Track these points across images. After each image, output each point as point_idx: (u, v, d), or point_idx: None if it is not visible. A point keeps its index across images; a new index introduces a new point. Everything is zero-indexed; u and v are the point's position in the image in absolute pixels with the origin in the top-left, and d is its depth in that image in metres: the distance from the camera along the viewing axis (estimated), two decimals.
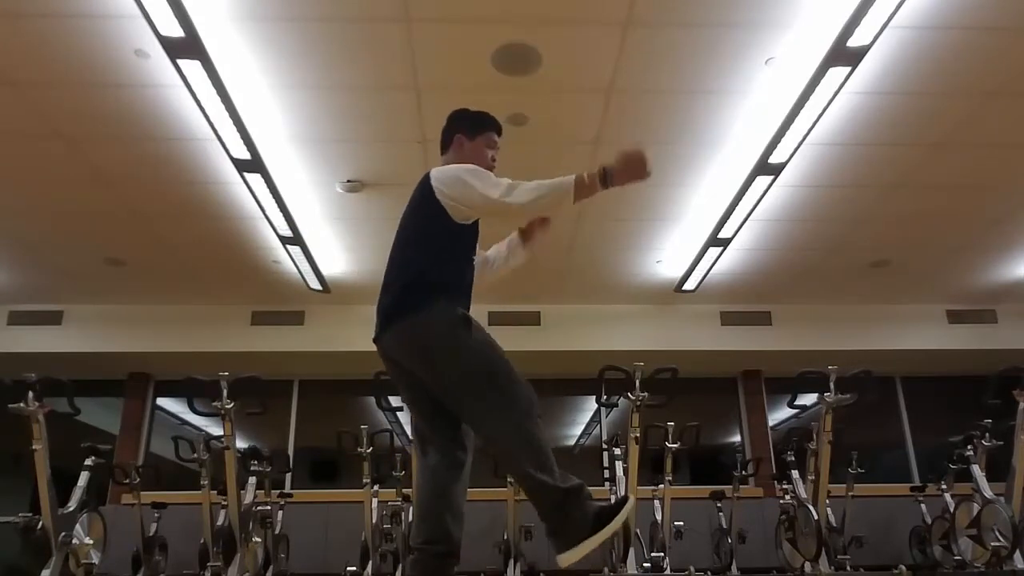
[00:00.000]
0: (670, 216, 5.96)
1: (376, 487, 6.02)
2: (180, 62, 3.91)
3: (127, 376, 8.01)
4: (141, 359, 7.64)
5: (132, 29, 3.76)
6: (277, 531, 6.31)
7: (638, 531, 5.34)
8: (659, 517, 5.54)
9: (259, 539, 5.68)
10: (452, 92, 4.35)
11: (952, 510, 5.63)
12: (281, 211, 5.58)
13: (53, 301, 7.36)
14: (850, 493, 6.13)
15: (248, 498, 5.67)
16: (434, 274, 2.35)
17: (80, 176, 5.17)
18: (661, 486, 5.57)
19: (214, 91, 4.14)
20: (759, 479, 6.95)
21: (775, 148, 4.83)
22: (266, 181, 5.15)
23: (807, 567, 5.12)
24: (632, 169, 2.31)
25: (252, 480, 5.87)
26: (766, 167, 5.07)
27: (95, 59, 4.00)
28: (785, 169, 5.13)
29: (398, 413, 6.48)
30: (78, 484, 5.13)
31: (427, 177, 2.47)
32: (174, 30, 3.66)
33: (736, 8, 3.76)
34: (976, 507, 5.04)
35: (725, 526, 6.27)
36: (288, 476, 7.30)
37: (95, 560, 5.11)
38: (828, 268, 6.92)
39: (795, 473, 5.65)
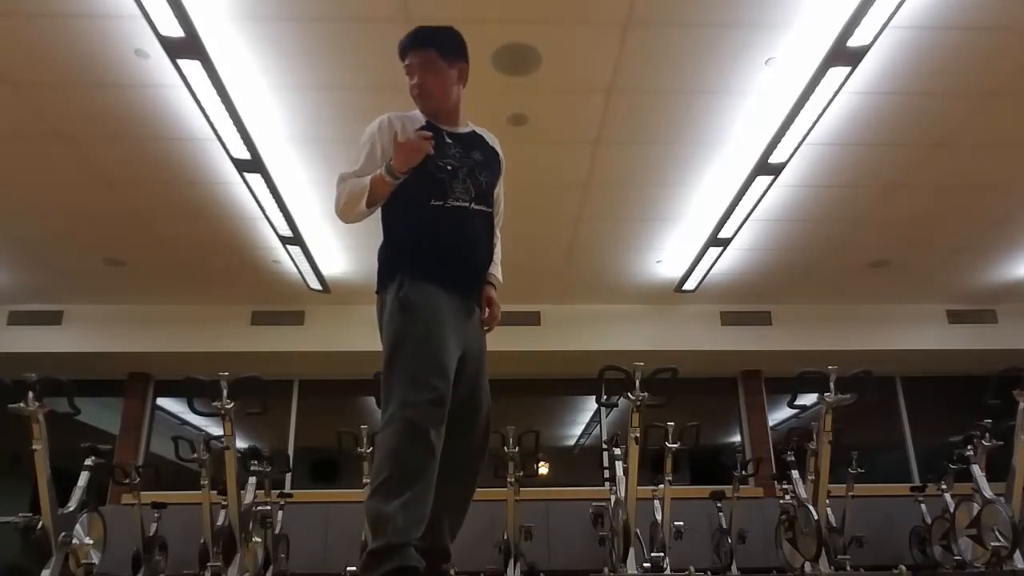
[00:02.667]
0: (670, 216, 5.96)
1: None
2: (180, 62, 3.91)
3: (127, 376, 8.01)
4: (141, 359, 7.64)
5: (132, 29, 3.76)
6: (277, 531, 6.30)
7: (638, 531, 5.34)
8: (659, 517, 5.54)
9: (259, 539, 5.68)
10: None
11: (952, 510, 5.63)
12: (281, 211, 5.58)
13: (53, 301, 7.36)
14: (850, 493, 6.13)
15: (248, 498, 5.66)
16: (395, 242, 2.24)
17: (80, 176, 5.17)
18: (661, 486, 5.57)
19: (214, 91, 4.14)
20: (759, 479, 6.95)
21: (775, 148, 4.83)
22: (266, 181, 5.15)
23: (807, 567, 5.12)
24: (405, 154, 2.12)
25: (252, 480, 5.86)
26: (766, 167, 5.07)
27: (95, 59, 4.00)
28: (785, 169, 5.13)
29: None
30: (78, 484, 5.12)
31: None
32: (174, 30, 3.66)
33: (736, 8, 3.76)
34: (976, 507, 5.03)
35: (725, 526, 6.27)
36: (288, 476, 7.30)
37: (95, 560, 5.10)
38: (828, 268, 6.92)
39: (795, 473, 5.64)
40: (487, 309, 2.34)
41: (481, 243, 2.30)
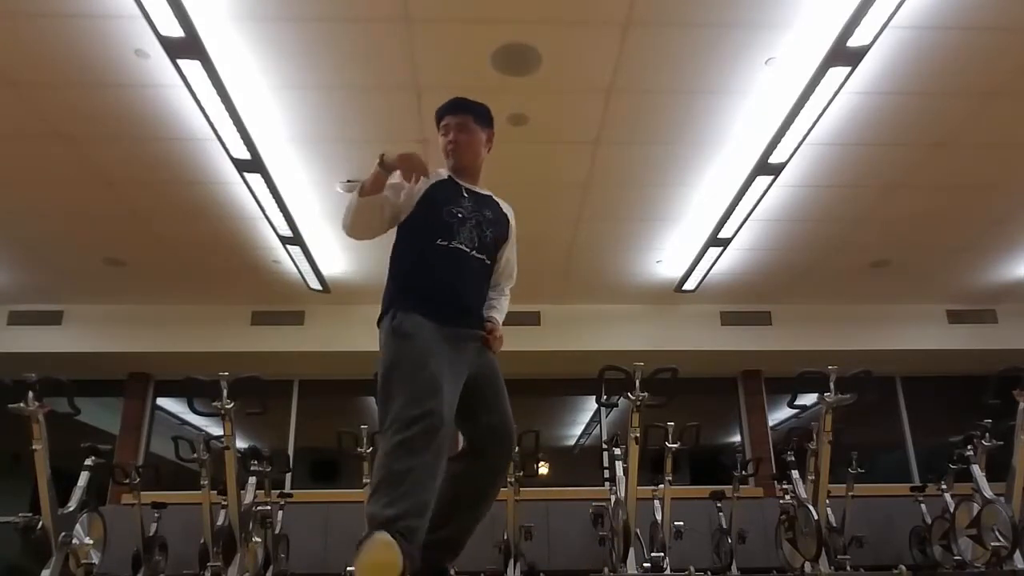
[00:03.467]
0: (670, 216, 5.96)
1: None
2: (180, 62, 3.91)
3: (127, 376, 8.01)
4: (141, 359, 7.65)
5: (132, 29, 3.77)
6: (277, 531, 6.31)
7: (638, 531, 5.34)
8: (659, 517, 5.54)
9: (259, 539, 5.69)
10: (452, 92, 4.28)
11: (952, 510, 5.63)
12: (281, 211, 5.58)
13: (53, 301, 7.36)
14: (850, 493, 6.13)
15: (248, 498, 5.66)
16: (397, 278, 2.43)
17: (80, 176, 5.17)
18: (661, 486, 5.57)
19: (214, 91, 4.14)
20: (759, 479, 6.95)
21: (775, 148, 4.84)
22: (266, 181, 5.15)
23: (807, 567, 5.12)
24: (410, 164, 2.37)
25: (252, 480, 5.87)
26: (766, 167, 5.08)
27: (95, 59, 4.00)
28: (785, 169, 5.13)
29: None
30: (78, 484, 5.12)
31: None
32: (174, 30, 3.67)
33: (736, 8, 3.76)
34: (976, 507, 5.03)
35: (725, 526, 6.27)
36: (288, 476, 7.30)
37: (95, 560, 5.10)
38: (828, 268, 6.92)
39: (795, 473, 5.64)
40: (489, 334, 2.50)
41: (473, 284, 2.47)
